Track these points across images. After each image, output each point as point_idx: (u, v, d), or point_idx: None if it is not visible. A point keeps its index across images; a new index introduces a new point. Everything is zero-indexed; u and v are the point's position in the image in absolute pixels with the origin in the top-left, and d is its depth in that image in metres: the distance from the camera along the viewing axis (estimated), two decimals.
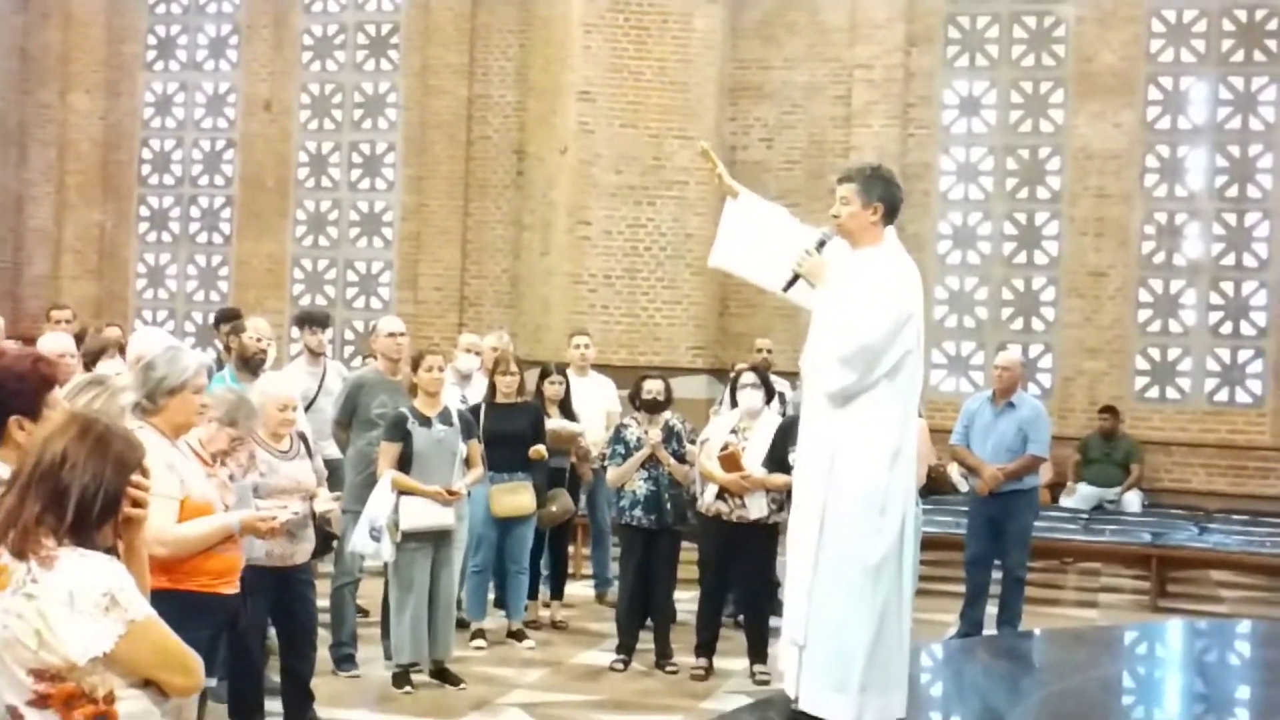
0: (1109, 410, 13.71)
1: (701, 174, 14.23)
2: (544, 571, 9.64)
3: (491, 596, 9.22)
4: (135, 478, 2.95)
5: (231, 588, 5.09)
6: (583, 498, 10.08)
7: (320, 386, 8.99)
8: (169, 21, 17.09)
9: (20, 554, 2.82)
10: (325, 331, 9.50)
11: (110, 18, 16.87)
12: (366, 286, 16.39)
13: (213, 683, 5.51)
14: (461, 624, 8.65)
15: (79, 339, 8.57)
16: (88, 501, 2.87)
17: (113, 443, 2.92)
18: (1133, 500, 13.39)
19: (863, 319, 5.58)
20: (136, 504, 2.95)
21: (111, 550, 2.95)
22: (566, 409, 9.54)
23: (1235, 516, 12.76)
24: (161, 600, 3.17)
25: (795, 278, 5.81)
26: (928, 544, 10.36)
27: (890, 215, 5.81)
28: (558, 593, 9.67)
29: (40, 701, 2.81)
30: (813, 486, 5.73)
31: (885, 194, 5.79)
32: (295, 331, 9.98)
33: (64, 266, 16.85)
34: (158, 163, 17.09)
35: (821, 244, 5.81)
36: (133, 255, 17.06)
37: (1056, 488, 13.58)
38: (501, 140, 15.54)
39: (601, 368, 11.08)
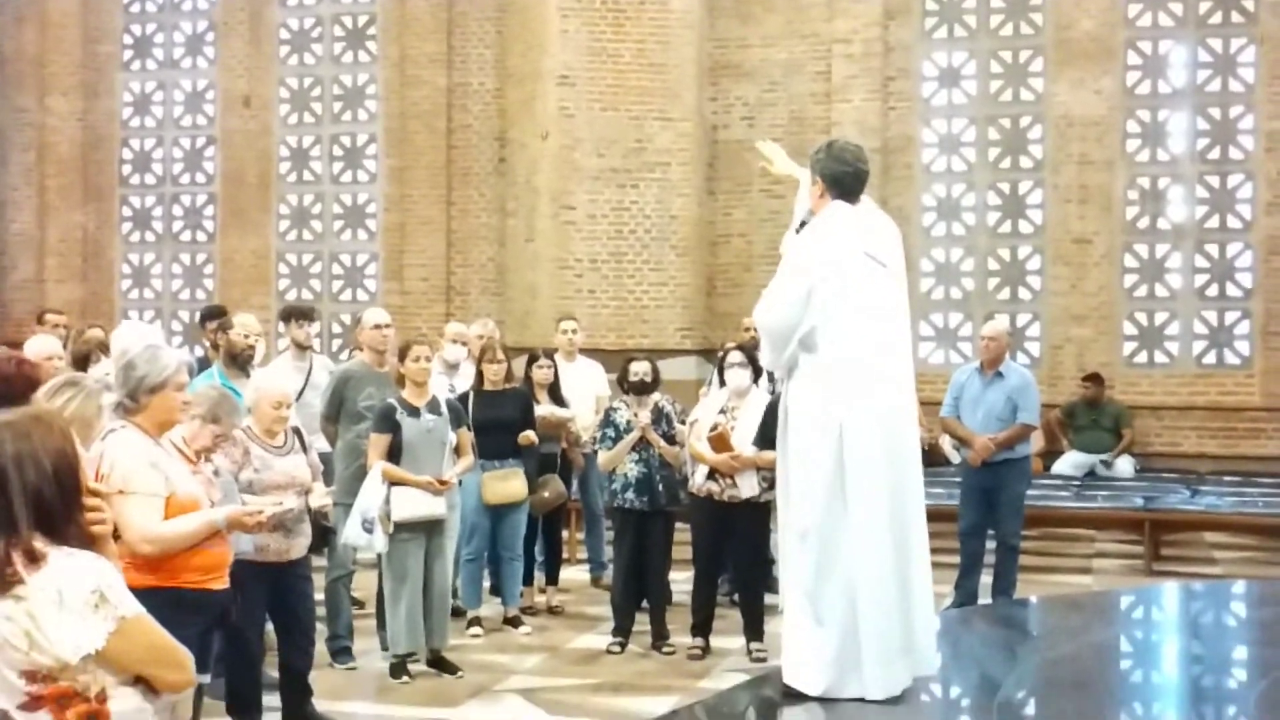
0: (1093, 377, 13.74)
1: (684, 155, 14.26)
2: (538, 557, 9.63)
3: (487, 584, 9.22)
4: (89, 500, 2.94)
5: (221, 583, 5.08)
6: (574, 482, 10.07)
7: (307, 381, 8.95)
8: (144, 20, 17.04)
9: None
10: (312, 324, 9.46)
11: (85, 18, 16.80)
12: (352, 279, 16.37)
13: (207, 679, 5.51)
14: (457, 612, 8.68)
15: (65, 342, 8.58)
16: (44, 499, 2.84)
17: (33, 432, 2.89)
18: (1125, 466, 13.42)
19: (763, 299, 5.85)
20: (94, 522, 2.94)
21: (89, 546, 2.93)
22: (555, 394, 9.53)
23: (1227, 478, 12.79)
24: (150, 598, 3.16)
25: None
26: None
27: (835, 187, 5.84)
28: (553, 578, 9.67)
29: (33, 704, 2.80)
30: (777, 458, 6.01)
31: (825, 168, 5.84)
32: (281, 327, 9.93)
33: (48, 270, 16.81)
34: (138, 162, 17.04)
35: (803, 225, 5.89)
36: (117, 256, 17.03)
37: (1048, 455, 13.62)
38: (482, 128, 15.52)
39: (590, 352, 11.08)
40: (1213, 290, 14.16)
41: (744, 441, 7.92)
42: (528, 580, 9.39)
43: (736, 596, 8.66)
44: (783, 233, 6.29)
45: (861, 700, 5.64)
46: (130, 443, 4.82)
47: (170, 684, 2.93)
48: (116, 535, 4.70)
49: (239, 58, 16.53)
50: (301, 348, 9.22)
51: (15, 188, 16.92)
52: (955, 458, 12.10)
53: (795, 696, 5.74)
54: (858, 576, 5.64)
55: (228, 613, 5.30)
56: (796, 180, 6.25)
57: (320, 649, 7.39)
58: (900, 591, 5.71)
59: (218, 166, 16.73)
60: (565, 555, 10.37)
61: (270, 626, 6.60)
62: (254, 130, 16.48)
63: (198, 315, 12.23)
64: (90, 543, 2.89)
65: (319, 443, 8.14)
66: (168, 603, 4.38)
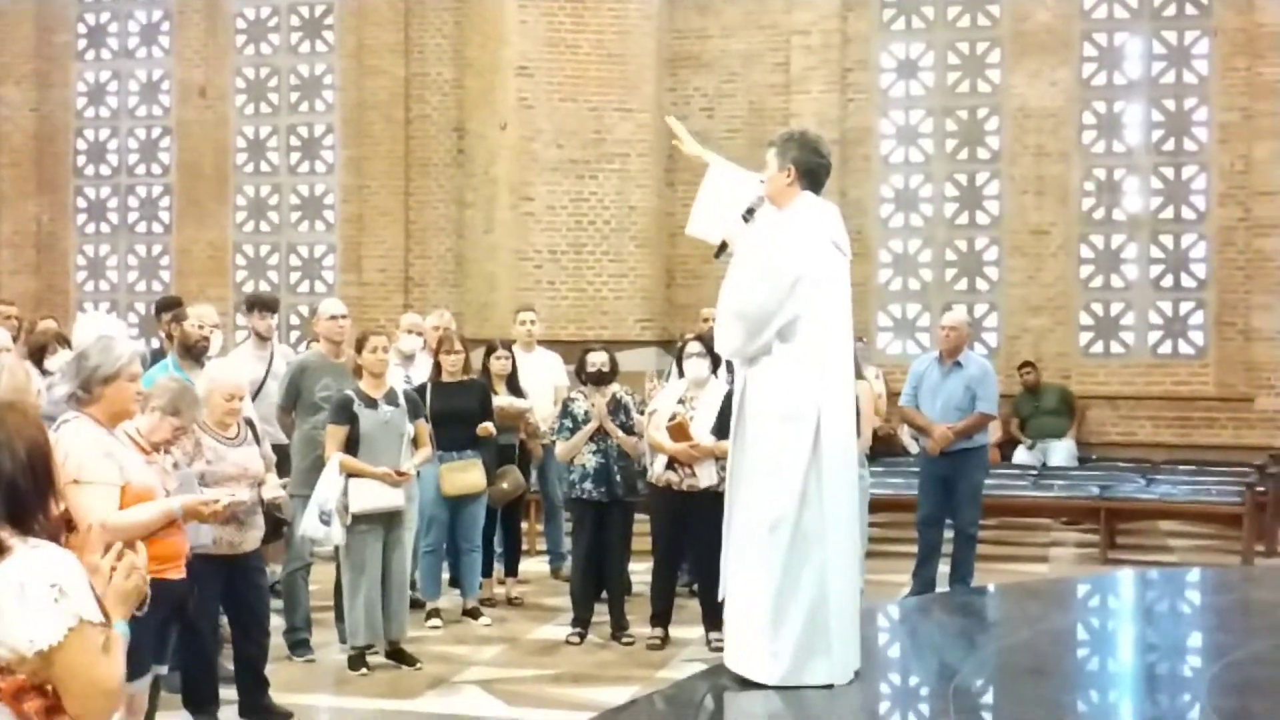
0: (1028, 365, 13.87)
1: (643, 146, 14.25)
2: (498, 549, 9.63)
3: (446, 576, 9.20)
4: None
5: (178, 572, 5.06)
6: (534, 473, 10.07)
7: (268, 371, 8.89)
8: (99, 9, 16.89)
9: None
10: (274, 316, 9.41)
11: (39, 7, 16.64)
12: (310, 271, 16.29)
13: (164, 670, 5.49)
14: (418, 604, 8.66)
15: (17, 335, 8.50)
16: (17, 489, 2.81)
17: (7, 420, 2.86)
18: (1061, 453, 13.44)
19: (741, 285, 5.72)
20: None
21: (56, 536, 2.89)
22: (514, 385, 9.52)
23: (1182, 467, 12.90)
24: None
25: (724, 246, 5.94)
26: (879, 505, 10.46)
27: (808, 178, 5.86)
28: (512, 569, 9.66)
29: None
30: (730, 445, 5.93)
31: (799, 157, 5.84)
32: (241, 317, 9.86)
33: (2, 262, 16.65)
34: (93, 153, 16.90)
35: (750, 211, 5.89)
36: (72, 248, 16.88)
37: (1007, 446, 13.70)
38: (441, 118, 15.46)
39: (550, 343, 11.07)
40: (1168, 281, 14.28)
41: (703, 431, 7.94)
42: (487, 572, 9.38)
43: (696, 586, 8.67)
44: None
45: (817, 687, 5.67)
46: (84, 432, 4.79)
47: (85, 710, 2.78)
48: (71, 527, 4.68)
49: (195, 47, 16.40)
50: (262, 338, 9.18)
51: None
52: (914, 448, 12.17)
53: (751, 685, 5.76)
54: (831, 563, 5.69)
55: (185, 603, 5.27)
56: (702, 159, 6.31)
57: (278, 641, 7.37)
58: (857, 577, 5.78)
59: (174, 157, 16.60)
60: (525, 546, 10.37)
61: (225, 619, 6.56)
62: (210, 121, 16.36)
63: (153, 308, 12.15)
64: (56, 536, 2.86)
65: (277, 434, 8.12)
66: None
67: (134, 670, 4.56)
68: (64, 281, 16.80)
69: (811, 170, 5.87)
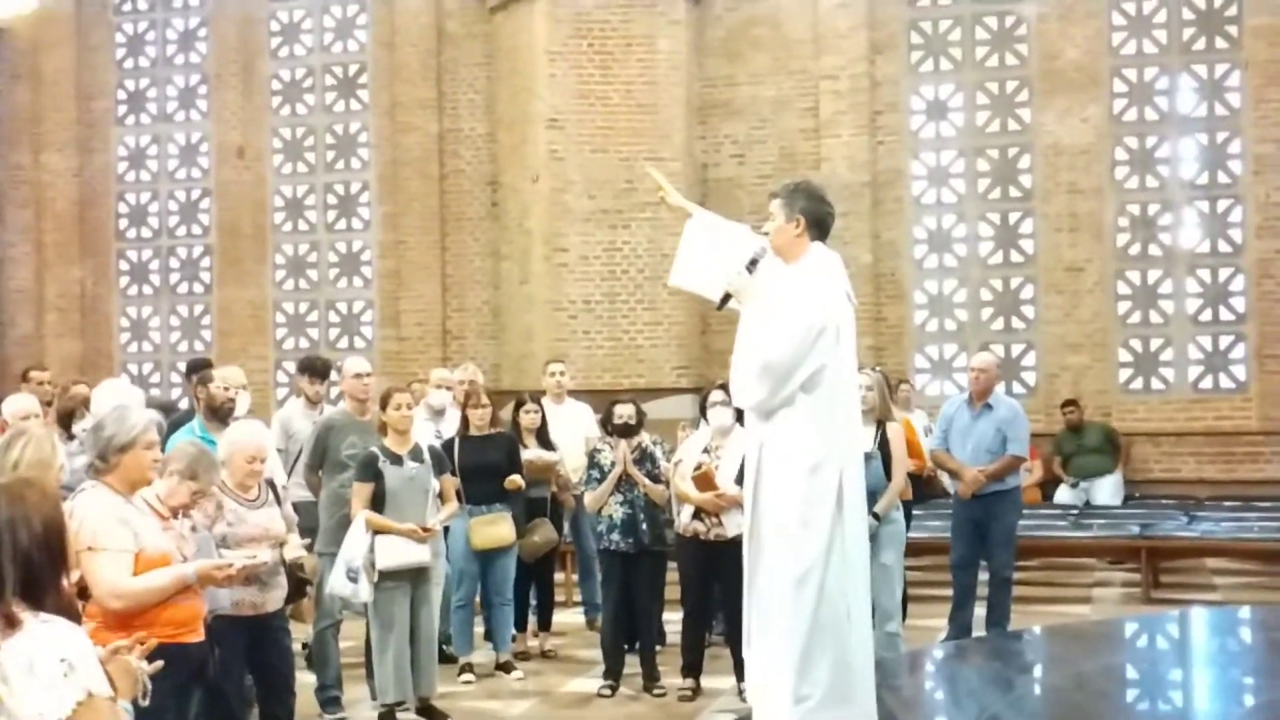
0: (1070, 403, 13.74)
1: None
2: (532, 601, 9.62)
3: (480, 630, 9.20)
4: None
5: (195, 636, 5.08)
6: (566, 526, 10.06)
7: None
8: (138, 75, 17.16)
9: None
10: (324, 383, 9.48)
11: (79, 75, 16.94)
12: (349, 326, 16.42)
13: None
14: (450, 659, 8.65)
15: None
16: (32, 563, 2.85)
17: (27, 497, 2.91)
18: (1107, 490, 13.31)
19: (767, 337, 5.64)
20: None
21: (69, 609, 2.93)
22: (544, 438, 9.53)
23: (1226, 503, 12.73)
24: None
25: (727, 297, 5.90)
26: (915, 549, 10.35)
27: (816, 227, 5.83)
28: (545, 622, 9.64)
29: None
30: (747, 501, 5.83)
31: (807, 207, 5.81)
32: (283, 374, 9.91)
33: (47, 325, 16.88)
34: (135, 216, 17.14)
35: (753, 262, 5.85)
36: (115, 310, 17.10)
37: (1048, 485, 13.58)
38: (474, 173, 15.59)
39: (586, 393, 11.09)
40: (1206, 315, 14.16)
41: (728, 480, 7.91)
42: (520, 625, 9.37)
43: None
44: None
45: None
46: (99, 500, 4.84)
47: None
48: (85, 595, 4.73)
49: (232, 109, 16.64)
50: (312, 402, 9.28)
51: (13, 244, 17.01)
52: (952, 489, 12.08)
53: None
54: (854, 612, 5.65)
55: (205, 666, 5.30)
56: (688, 213, 6.28)
57: (309, 699, 7.39)
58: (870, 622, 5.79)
59: (213, 218, 16.81)
60: (561, 599, 10.35)
61: (250, 680, 6.58)
62: (248, 181, 16.57)
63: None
64: (68, 609, 2.90)
65: (301, 492, 8.16)
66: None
67: None
68: (108, 344, 17.01)
69: (820, 219, 5.85)
